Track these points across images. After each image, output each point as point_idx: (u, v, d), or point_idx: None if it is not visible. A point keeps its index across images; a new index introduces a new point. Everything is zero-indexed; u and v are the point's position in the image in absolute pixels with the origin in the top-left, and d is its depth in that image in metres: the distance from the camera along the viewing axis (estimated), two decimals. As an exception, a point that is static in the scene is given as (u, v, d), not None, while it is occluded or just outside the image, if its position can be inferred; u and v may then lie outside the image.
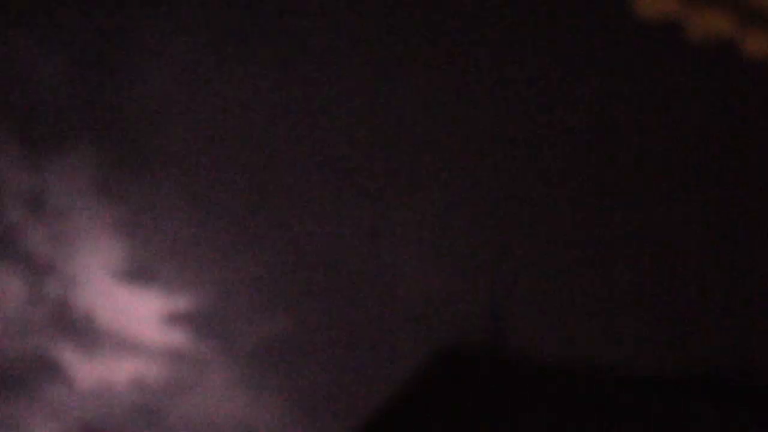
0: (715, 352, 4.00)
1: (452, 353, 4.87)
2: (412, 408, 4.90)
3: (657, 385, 4.41)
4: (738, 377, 5.19)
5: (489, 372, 4.80)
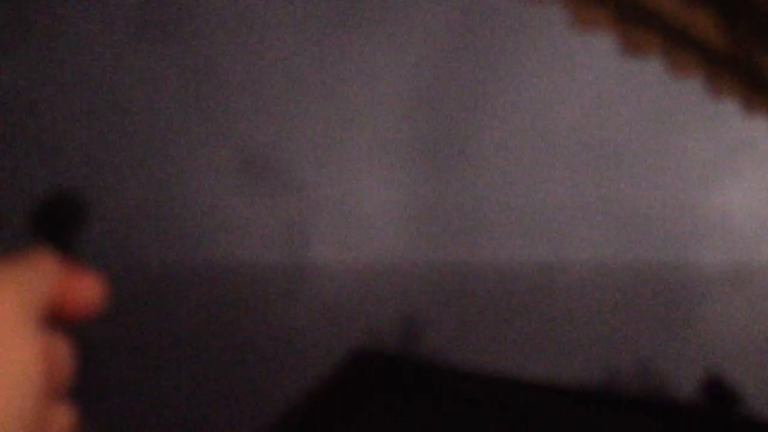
0: (621, 363, 4.18)
1: (365, 355, 4.97)
2: (324, 409, 4.98)
3: (563, 393, 4.59)
4: (641, 389, 5.45)
5: (400, 374, 4.92)
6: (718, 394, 5.73)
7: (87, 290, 0.36)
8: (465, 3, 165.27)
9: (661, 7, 1.85)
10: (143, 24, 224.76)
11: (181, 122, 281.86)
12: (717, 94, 1.87)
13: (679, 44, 1.88)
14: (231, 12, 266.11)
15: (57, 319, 0.35)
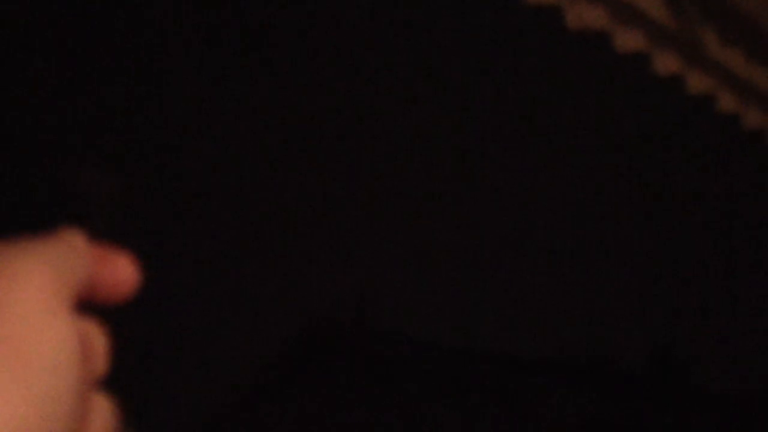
0: (572, 337, 4.23)
1: (320, 328, 4.98)
2: (280, 380, 4.99)
3: (514, 365, 4.66)
4: (593, 362, 5.52)
5: (355, 347, 4.94)
6: (668, 365, 5.80)
7: (121, 272, 0.33)
8: None
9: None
10: None
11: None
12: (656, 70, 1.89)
13: (623, 20, 1.89)
14: None
15: (90, 304, 0.33)
